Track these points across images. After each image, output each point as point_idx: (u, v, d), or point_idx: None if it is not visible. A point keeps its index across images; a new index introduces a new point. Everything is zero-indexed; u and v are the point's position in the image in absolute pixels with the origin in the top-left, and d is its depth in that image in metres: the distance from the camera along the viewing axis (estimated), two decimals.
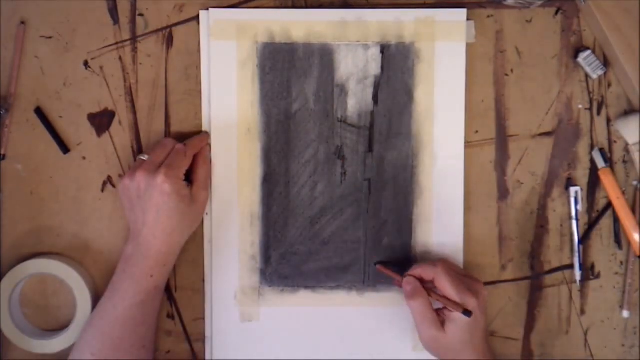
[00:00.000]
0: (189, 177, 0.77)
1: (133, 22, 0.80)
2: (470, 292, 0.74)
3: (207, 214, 0.80)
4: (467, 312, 0.73)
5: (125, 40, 0.81)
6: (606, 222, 0.82)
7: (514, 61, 0.81)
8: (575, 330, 0.83)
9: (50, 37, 0.80)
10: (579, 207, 0.81)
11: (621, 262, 0.82)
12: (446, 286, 0.74)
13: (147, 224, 0.73)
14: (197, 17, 0.80)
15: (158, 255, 0.74)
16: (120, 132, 0.81)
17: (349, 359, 0.81)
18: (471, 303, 0.73)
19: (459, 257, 0.80)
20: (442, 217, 0.80)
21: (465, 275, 0.78)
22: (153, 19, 0.80)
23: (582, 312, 0.82)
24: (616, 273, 0.82)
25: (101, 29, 0.80)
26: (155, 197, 0.73)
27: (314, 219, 0.81)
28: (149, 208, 0.73)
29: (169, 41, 0.81)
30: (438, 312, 0.76)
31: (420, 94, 0.80)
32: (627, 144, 0.81)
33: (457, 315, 0.74)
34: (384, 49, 0.80)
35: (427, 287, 0.76)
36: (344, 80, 0.80)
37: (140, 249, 0.74)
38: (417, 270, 0.77)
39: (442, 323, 0.75)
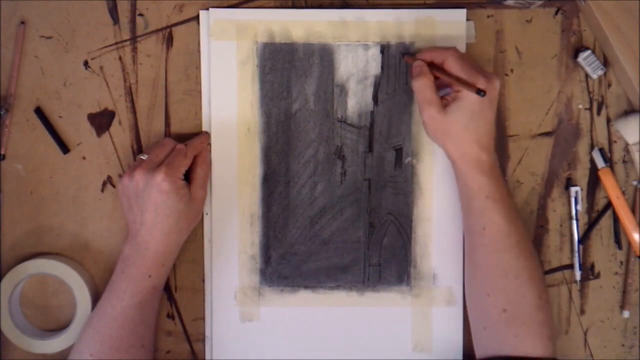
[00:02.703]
0: (187, 177, 0.77)
1: (133, 22, 0.80)
2: (481, 75, 0.72)
3: (207, 213, 0.80)
4: (480, 92, 0.70)
5: (125, 40, 0.81)
6: (606, 222, 0.82)
7: (514, 61, 0.81)
8: (575, 330, 0.83)
9: (50, 37, 0.80)
10: (579, 207, 0.81)
11: (621, 262, 0.82)
12: (455, 67, 0.73)
13: (146, 224, 0.73)
14: (197, 17, 0.80)
15: (156, 255, 0.74)
16: (120, 132, 0.81)
17: (349, 359, 0.81)
18: (480, 81, 0.72)
19: (458, 257, 0.80)
20: (442, 217, 0.80)
21: (479, 66, 0.76)
22: (153, 19, 0.80)
23: (582, 312, 0.83)
24: (616, 273, 0.82)
25: (101, 29, 0.80)
26: (153, 195, 0.73)
27: (314, 219, 0.81)
28: (147, 207, 0.73)
29: (169, 41, 0.81)
30: (445, 97, 0.74)
31: None
32: (627, 144, 0.81)
33: (462, 96, 0.72)
34: (384, 49, 0.80)
35: (437, 69, 0.74)
36: (344, 80, 0.80)
37: (139, 249, 0.74)
38: (428, 54, 0.75)
39: (447, 105, 0.73)
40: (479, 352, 0.76)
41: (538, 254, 0.82)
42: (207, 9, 0.80)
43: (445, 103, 0.74)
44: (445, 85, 0.76)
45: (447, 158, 0.79)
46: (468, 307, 0.78)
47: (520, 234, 0.74)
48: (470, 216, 0.75)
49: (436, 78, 0.75)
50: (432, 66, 0.75)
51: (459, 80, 0.72)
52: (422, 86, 0.74)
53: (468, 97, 0.72)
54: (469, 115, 0.73)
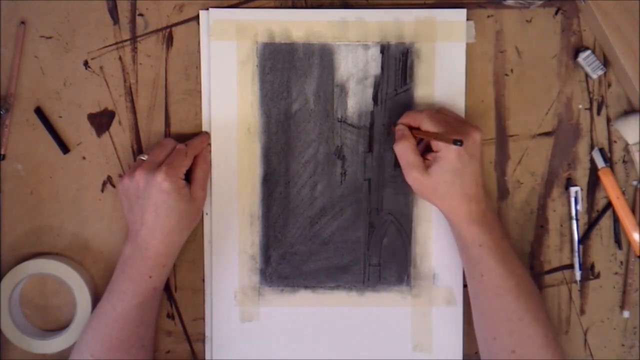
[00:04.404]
0: (187, 177, 0.77)
1: (133, 22, 0.80)
2: (456, 134, 0.73)
3: (207, 214, 0.80)
4: (457, 141, 0.70)
5: (125, 40, 0.81)
6: (606, 222, 0.82)
7: (514, 61, 0.81)
8: (575, 330, 0.83)
9: (50, 37, 0.80)
10: (579, 207, 0.81)
11: (621, 262, 0.82)
12: (431, 127, 0.74)
13: (146, 224, 0.73)
14: (197, 17, 0.80)
15: (156, 256, 0.74)
16: (120, 132, 0.81)
17: (349, 359, 0.81)
18: (456, 136, 0.72)
19: (458, 257, 0.80)
20: (442, 217, 0.80)
21: (461, 120, 0.77)
22: (153, 19, 0.80)
23: (582, 312, 0.83)
24: (616, 273, 0.82)
25: (101, 29, 0.80)
26: (154, 195, 0.73)
27: (314, 219, 0.81)
28: (147, 207, 0.73)
29: (169, 41, 0.81)
30: (426, 156, 0.75)
31: (420, 94, 0.80)
32: (627, 144, 0.81)
33: (442, 155, 0.73)
34: (384, 49, 0.80)
35: (416, 130, 0.76)
36: (344, 80, 0.80)
37: (139, 250, 0.74)
38: (406, 119, 0.77)
39: (429, 166, 0.74)
40: None
41: (538, 254, 0.82)
42: (207, 9, 0.80)
43: (428, 164, 0.75)
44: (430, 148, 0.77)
45: None
46: (479, 348, 0.78)
47: (519, 276, 0.75)
48: (468, 264, 0.77)
49: (419, 140, 0.76)
50: (412, 128, 0.76)
51: (435, 135, 0.73)
52: (404, 149, 0.75)
53: (448, 155, 0.73)
54: (451, 173, 0.73)
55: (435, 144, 0.74)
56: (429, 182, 0.74)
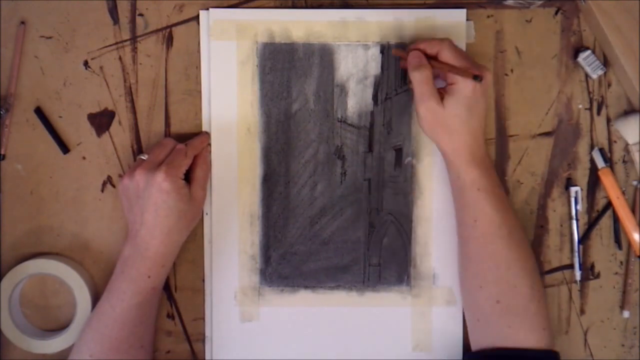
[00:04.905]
0: (187, 177, 0.77)
1: (133, 22, 0.80)
2: (475, 65, 0.73)
3: (207, 214, 0.80)
4: (477, 77, 0.70)
5: (125, 40, 0.81)
6: (606, 222, 0.82)
7: (514, 61, 0.81)
8: (575, 330, 0.83)
9: (50, 37, 0.80)
10: (579, 207, 0.81)
11: (621, 262, 0.82)
12: (450, 58, 0.73)
13: (146, 224, 0.73)
14: (197, 17, 0.80)
15: (156, 256, 0.74)
16: (120, 132, 0.81)
17: (349, 359, 0.81)
18: (475, 70, 0.72)
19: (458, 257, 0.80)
20: (442, 217, 0.80)
21: (472, 58, 0.76)
22: (153, 19, 0.80)
23: (582, 312, 0.83)
24: (616, 273, 0.82)
25: (101, 29, 0.80)
26: (154, 195, 0.73)
27: (314, 219, 0.81)
28: (147, 207, 0.73)
29: (169, 41, 0.81)
30: (440, 89, 0.74)
31: None
32: (627, 144, 0.81)
33: (458, 88, 0.72)
34: (384, 49, 0.80)
35: (433, 61, 0.75)
36: (344, 80, 0.80)
37: (139, 250, 0.74)
38: (422, 44, 0.75)
39: (443, 98, 0.74)
40: (474, 344, 0.77)
41: (538, 254, 0.82)
42: (207, 9, 0.80)
43: (441, 95, 0.74)
44: (438, 77, 0.76)
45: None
46: (462, 300, 0.78)
47: (512, 225, 0.75)
48: (462, 209, 0.76)
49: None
50: (427, 57, 0.75)
51: (454, 69, 0.72)
52: (423, 78, 0.73)
53: (464, 89, 0.72)
54: (466, 108, 0.73)
55: (451, 77, 0.73)
56: (443, 114, 0.73)
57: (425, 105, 0.74)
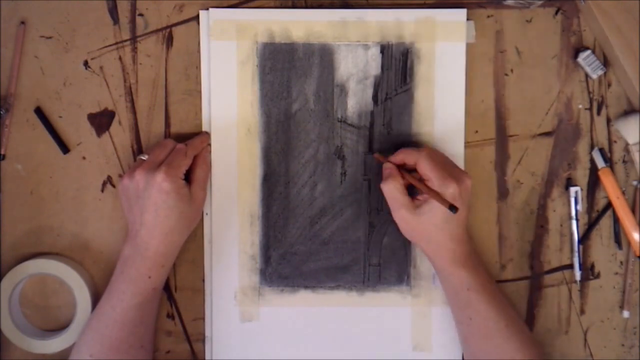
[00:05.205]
0: (187, 177, 0.77)
1: (133, 22, 0.80)
2: (451, 178, 0.73)
3: (207, 214, 0.80)
4: (452, 208, 0.70)
5: (125, 40, 0.81)
6: (606, 222, 0.82)
7: (514, 61, 0.81)
8: (574, 330, 0.83)
9: (50, 37, 0.80)
10: (579, 207, 0.81)
11: (621, 262, 0.82)
12: (427, 170, 0.73)
13: (145, 224, 0.73)
14: (197, 17, 0.80)
15: (156, 256, 0.74)
16: (120, 132, 0.81)
17: (349, 359, 0.81)
18: (451, 188, 0.72)
19: None
20: None
21: (452, 163, 0.76)
22: (153, 19, 0.80)
23: (582, 312, 0.83)
24: (616, 273, 0.82)
25: (101, 29, 0.80)
26: (154, 195, 0.73)
27: (314, 219, 0.81)
28: (147, 207, 0.73)
29: (169, 41, 0.81)
30: (417, 197, 0.75)
31: (420, 94, 0.80)
32: (627, 144, 0.81)
33: (434, 201, 0.72)
34: (384, 49, 0.80)
35: (409, 174, 0.75)
36: (344, 80, 0.80)
37: (139, 250, 0.74)
38: (400, 156, 0.76)
39: (419, 206, 0.74)
40: None
41: (538, 254, 0.82)
42: (207, 9, 0.80)
43: (417, 203, 0.74)
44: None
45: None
46: None
47: (508, 317, 0.75)
48: (456, 308, 0.77)
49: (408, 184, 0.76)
50: (404, 169, 0.76)
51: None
52: (392, 189, 0.75)
53: (445, 196, 0.72)
54: (442, 217, 0.73)
55: (430, 184, 0.73)
56: (417, 222, 0.74)
57: (397, 215, 0.75)
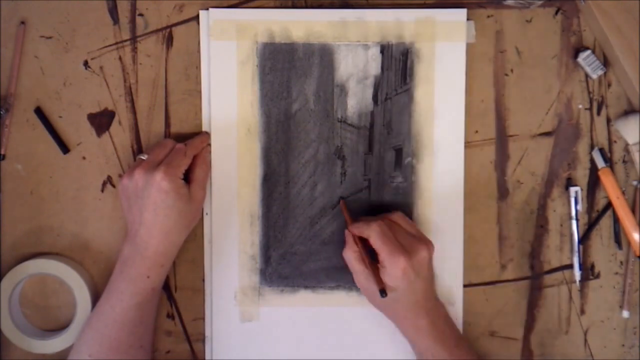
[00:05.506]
0: (187, 177, 0.77)
1: (133, 22, 0.80)
2: (401, 251, 0.72)
3: (207, 214, 0.80)
4: (382, 292, 0.71)
5: (125, 40, 0.81)
6: (606, 222, 0.82)
7: (514, 61, 0.81)
8: (575, 330, 0.83)
9: (50, 37, 0.80)
10: (579, 207, 0.81)
11: (621, 262, 0.82)
12: (376, 245, 0.73)
13: (145, 224, 0.73)
14: (197, 17, 0.80)
15: (155, 256, 0.74)
16: (120, 132, 0.81)
17: (349, 359, 0.81)
18: (401, 262, 0.72)
19: (458, 257, 0.80)
20: (442, 217, 0.80)
21: (412, 234, 0.76)
22: (153, 19, 0.80)
23: (582, 312, 0.83)
24: (616, 273, 0.82)
25: (101, 29, 0.80)
26: (153, 195, 0.73)
27: (314, 219, 0.81)
28: (146, 206, 0.73)
29: (169, 41, 0.81)
30: (379, 263, 0.75)
31: (420, 94, 0.80)
32: (627, 144, 0.81)
33: (388, 272, 0.72)
34: (384, 49, 0.80)
35: (361, 245, 0.75)
36: (344, 80, 0.80)
37: (138, 250, 0.74)
38: (355, 228, 0.76)
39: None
40: None
41: (538, 254, 0.82)
42: (207, 9, 0.80)
43: (380, 267, 0.74)
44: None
45: (446, 158, 0.80)
46: None
47: None
48: None
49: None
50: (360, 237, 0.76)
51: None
52: (348, 258, 0.76)
53: (393, 272, 0.73)
54: (397, 289, 0.73)
55: (380, 258, 0.73)
56: (375, 291, 0.74)
57: (357, 280, 0.76)
